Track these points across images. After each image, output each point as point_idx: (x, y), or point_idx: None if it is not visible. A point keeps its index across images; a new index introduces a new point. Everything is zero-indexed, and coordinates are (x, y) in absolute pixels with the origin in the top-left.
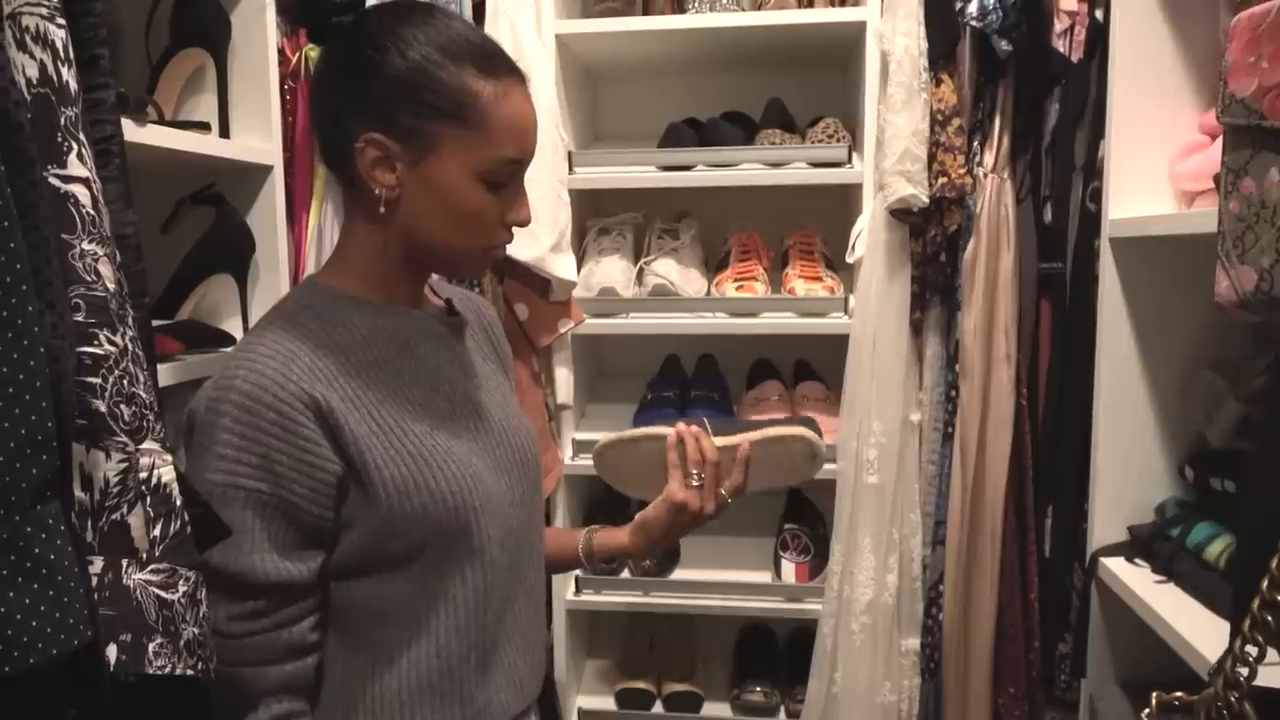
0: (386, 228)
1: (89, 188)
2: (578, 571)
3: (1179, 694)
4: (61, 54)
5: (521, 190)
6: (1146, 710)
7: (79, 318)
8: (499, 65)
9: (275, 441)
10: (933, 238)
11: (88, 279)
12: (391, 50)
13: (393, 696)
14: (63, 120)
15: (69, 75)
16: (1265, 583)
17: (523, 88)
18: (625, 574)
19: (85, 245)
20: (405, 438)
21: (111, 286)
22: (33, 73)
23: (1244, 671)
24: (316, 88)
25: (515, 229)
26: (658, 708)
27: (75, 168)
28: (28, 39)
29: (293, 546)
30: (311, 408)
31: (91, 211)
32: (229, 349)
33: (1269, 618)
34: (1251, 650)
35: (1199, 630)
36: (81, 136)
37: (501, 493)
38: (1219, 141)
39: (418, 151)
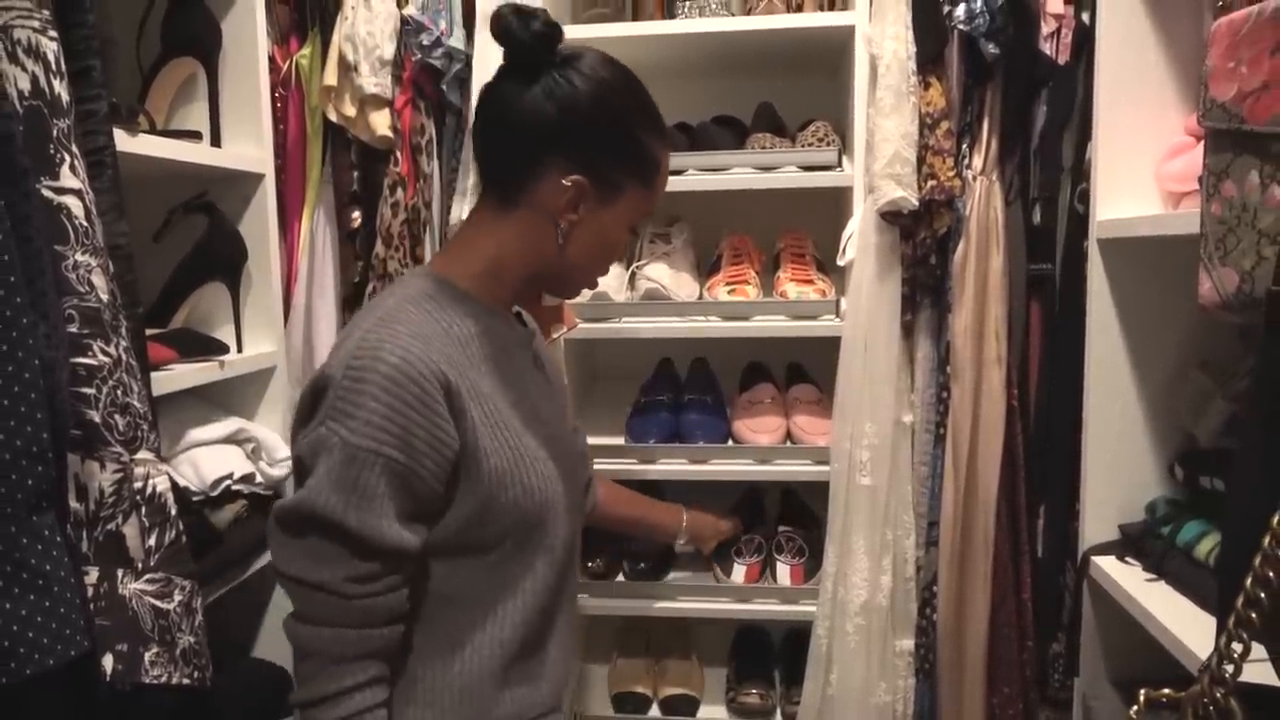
0: (550, 251)
1: (82, 199)
2: None
3: (1166, 691)
4: (54, 66)
5: None
6: (1135, 708)
7: (73, 329)
8: (667, 131)
9: (417, 416)
10: (922, 240)
11: (81, 290)
12: (611, 104)
13: (454, 680)
14: (55, 132)
15: (61, 87)
16: (1249, 579)
17: None
18: (620, 578)
19: (78, 256)
20: (507, 431)
21: (105, 297)
22: (25, 85)
23: (1229, 668)
24: (527, 108)
25: None
26: (654, 711)
27: (68, 179)
28: (19, 51)
29: (410, 517)
30: (445, 388)
31: (84, 223)
32: (220, 357)
33: (1253, 614)
34: (1237, 647)
35: (1190, 628)
36: (74, 148)
37: (565, 496)
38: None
39: (607, 199)
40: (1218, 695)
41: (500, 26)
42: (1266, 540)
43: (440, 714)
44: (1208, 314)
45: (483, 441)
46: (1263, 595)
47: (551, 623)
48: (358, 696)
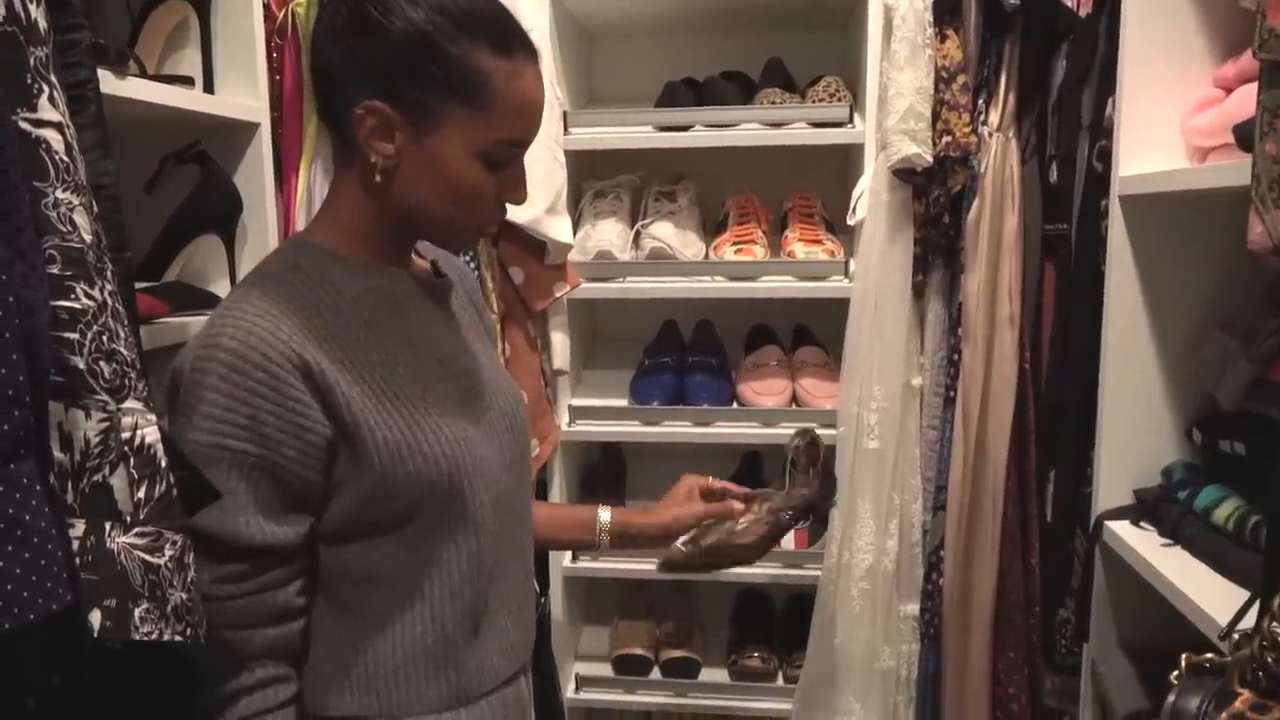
0: (380, 194)
1: (62, 133)
2: None
3: (1209, 655)
4: None
5: (521, 169)
6: (1175, 673)
7: (54, 270)
8: (514, 43)
9: (264, 402)
10: (936, 198)
11: (62, 229)
12: (401, 16)
13: (386, 662)
14: (32, 60)
15: (38, 13)
16: None
17: (535, 68)
18: None
19: (59, 194)
20: (398, 400)
21: (88, 238)
22: None
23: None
24: (319, 42)
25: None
26: (655, 674)
27: (47, 111)
28: None
29: (280, 509)
30: (301, 368)
31: (65, 158)
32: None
33: None
34: None
35: (1207, 593)
36: (53, 79)
37: (492, 456)
38: (1234, 96)
39: (420, 125)
40: (1269, 660)
41: None
42: None
43: (375, 698)
44: (1259, 261)
45: (365, 416)
46: None
47: (491, 590)
48: (256, 696)
